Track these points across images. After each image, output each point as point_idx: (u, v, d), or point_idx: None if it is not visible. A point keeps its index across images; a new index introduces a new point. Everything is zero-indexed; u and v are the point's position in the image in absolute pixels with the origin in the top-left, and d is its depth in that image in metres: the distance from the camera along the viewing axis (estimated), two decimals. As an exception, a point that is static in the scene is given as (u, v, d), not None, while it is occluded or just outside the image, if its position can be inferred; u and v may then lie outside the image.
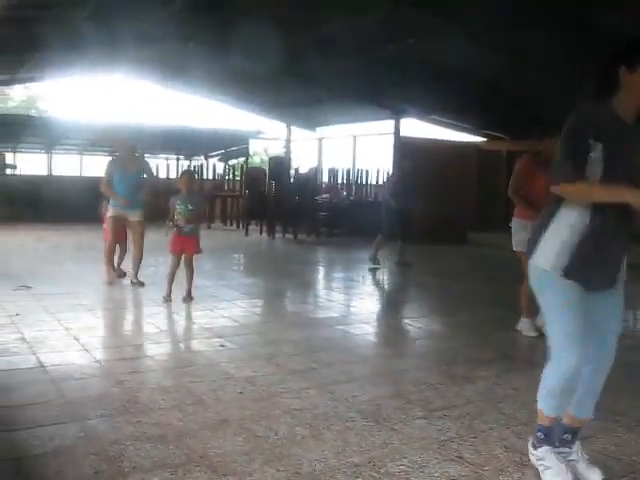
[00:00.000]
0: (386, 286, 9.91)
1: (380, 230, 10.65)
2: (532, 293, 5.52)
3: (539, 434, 3.10)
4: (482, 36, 9.98)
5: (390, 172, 12.81)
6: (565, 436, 3.18)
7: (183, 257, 7.03)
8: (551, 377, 3.00)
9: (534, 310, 5.70)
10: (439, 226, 14.19)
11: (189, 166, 20.03)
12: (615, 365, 3.09)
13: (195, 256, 7.12)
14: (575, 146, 2.82)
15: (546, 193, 5.47)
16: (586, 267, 2.89)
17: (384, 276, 10.58)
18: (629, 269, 3.09)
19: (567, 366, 2.90)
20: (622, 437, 3.70)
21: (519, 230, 5.88)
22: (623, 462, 3.35)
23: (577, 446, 3.18)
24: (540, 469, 3.08)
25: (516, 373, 4.88)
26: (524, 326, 6.13)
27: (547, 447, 3.09)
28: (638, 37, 2.90)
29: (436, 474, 3.09)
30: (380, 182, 17.56)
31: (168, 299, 6.93)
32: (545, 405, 3.06)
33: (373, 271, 10.28)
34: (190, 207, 6.90)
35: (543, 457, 3.08)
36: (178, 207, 6.89)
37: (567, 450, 3.17)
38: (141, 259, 7.94)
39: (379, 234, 10.53)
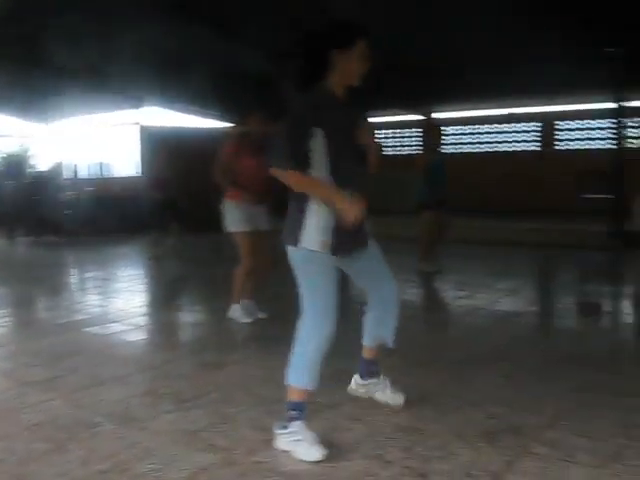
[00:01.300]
0: (140, 281, 9.63)
1: (151, 227, 10.89)
2: (242, 277, 5.74)
3: (293, 412, 3.21)
4: (216, 23, 10.02)
5: (146, 165, 12.76)
6: (368, 368, 3.76)
7: None
8: (304, 349, 3.19)
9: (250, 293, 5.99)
10: (196, 215, 14.10)
11: None
12: (358, 329, 3.29)
13: None
14: (294, 133, 3.01)
15: (257, 175, 5.72)
16: (345, 240, 3.18)
17: (139, 271, 10.33)
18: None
19: (320, 336, 3.15)
20: (367, 399, 3.89)
21: (232, 211, 5.82)
22: (370, 422, 3.54)
23: (381, 376, 3.78)
24: (291, 446, 3.16)
25: (266, 353, 4.97)
26: (236, 313, 6.01)
27: (300, 422, 3.20)
28: (339, 21, 3.15)
29: (186, 467, 3.04)
30: (130, 174, 17.07)
31: None
32: (297, 378, 3.21)
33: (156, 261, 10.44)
34: None
35: (298, 431, 3.17)
36: None
37: (373, 381, 3.78)
38: None
39: (152, 231, 10.68)
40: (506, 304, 6.69)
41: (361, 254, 3.40)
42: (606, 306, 6.97)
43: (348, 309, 4.79)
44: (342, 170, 3.14)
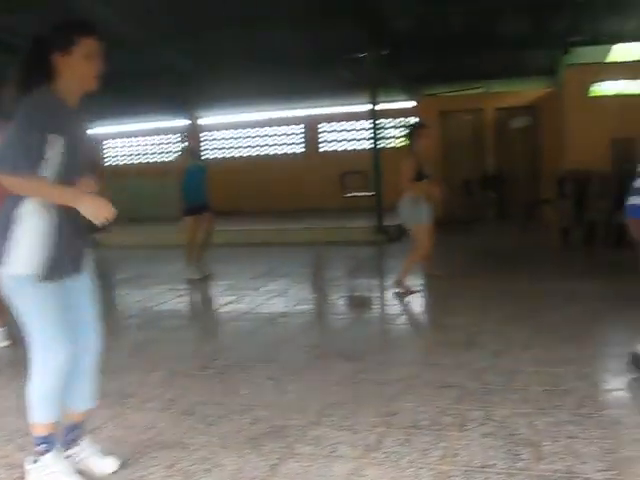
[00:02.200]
0: None
1: None
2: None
3: (42, 446, 2.88)
4: None
5: None
6: (70, 436, 3.05)
7: None
8: (42, 382, 2.83)
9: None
10: None
11: None
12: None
13: None
14: (31, 136, 2.66)
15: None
16: (56, 264, 2.79)
17: None
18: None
19: (57, 363, 2.78)
20: (130, 419, 3.72)
21: None
22: (133, 443, 3.36)
23: (86, 441, 3.09)
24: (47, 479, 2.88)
25: (21, 380, 4.55)
26: None
27: (52, 453, 2.89)
28: (62, 21, 2.87)
29: None
30: None
31: None
32: (42, 414, 2.86)
33: None
34: None
35: (50, 463, 2.88)
36: None
37: (77, 450, 3.04)
38: None
39: None
40: (273, 306, 6.74)
41: (74, 285, 2.94)
42: (371, 298, 7.28)
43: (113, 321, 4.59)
44: (69, 179, 2.84)
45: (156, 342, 5.45)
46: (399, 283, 6.87)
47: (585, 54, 12.99)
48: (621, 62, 12.41)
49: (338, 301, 7.13)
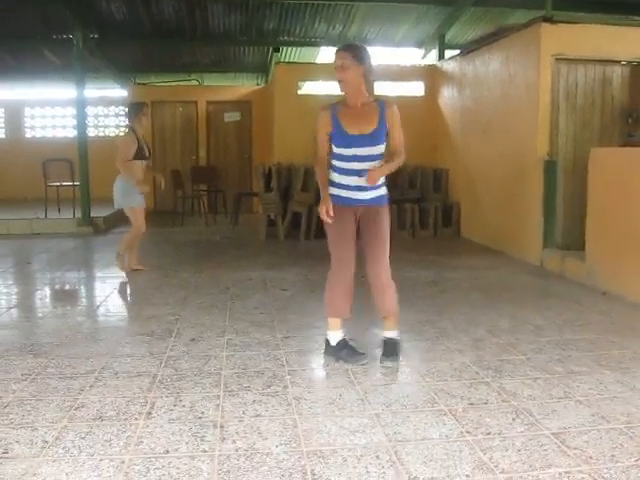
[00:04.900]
0: None
1: None
2: None
3: None
4: None
5: None
6: None
7: None
8: None
9: None
10: None
11: None
12: None
13: None
14: None
15: None
16: None
17: None
18: None
19: None
20: None
21: None
22: None
23: None
24: None
25: None
26: None
27: None
28: None
29: None
30: None
31: None
32: None
33: None
34: None
35: None
36: None
37: None
38: None
39: None
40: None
41: None
42: (69, 291, 6.93)
43: None
44: None
45: None
46: (119, 255, 7.23)
47: (295, 54, 13.66)
48: (327, 64, 13.15)
49: (34, 295, 6.67)
